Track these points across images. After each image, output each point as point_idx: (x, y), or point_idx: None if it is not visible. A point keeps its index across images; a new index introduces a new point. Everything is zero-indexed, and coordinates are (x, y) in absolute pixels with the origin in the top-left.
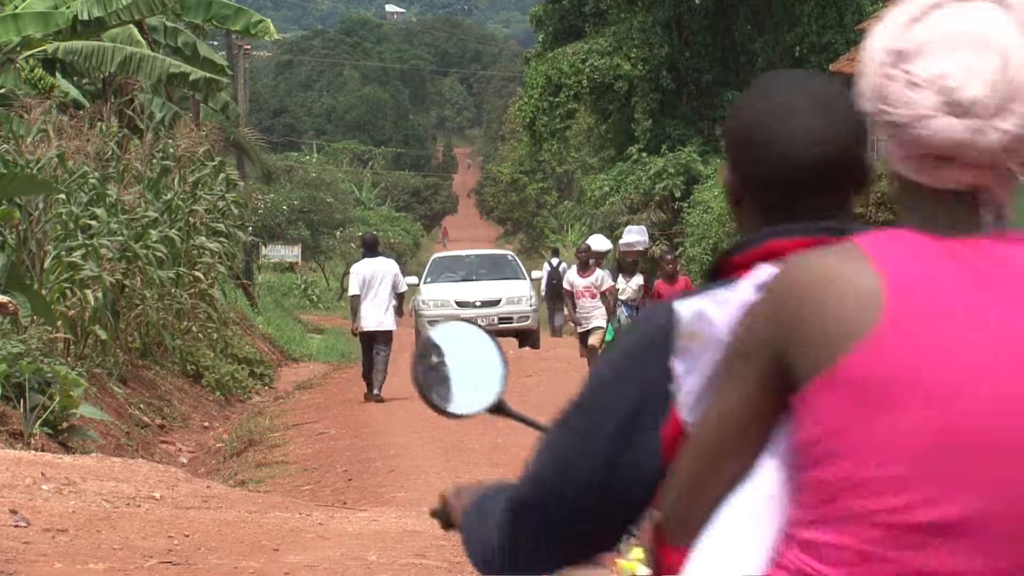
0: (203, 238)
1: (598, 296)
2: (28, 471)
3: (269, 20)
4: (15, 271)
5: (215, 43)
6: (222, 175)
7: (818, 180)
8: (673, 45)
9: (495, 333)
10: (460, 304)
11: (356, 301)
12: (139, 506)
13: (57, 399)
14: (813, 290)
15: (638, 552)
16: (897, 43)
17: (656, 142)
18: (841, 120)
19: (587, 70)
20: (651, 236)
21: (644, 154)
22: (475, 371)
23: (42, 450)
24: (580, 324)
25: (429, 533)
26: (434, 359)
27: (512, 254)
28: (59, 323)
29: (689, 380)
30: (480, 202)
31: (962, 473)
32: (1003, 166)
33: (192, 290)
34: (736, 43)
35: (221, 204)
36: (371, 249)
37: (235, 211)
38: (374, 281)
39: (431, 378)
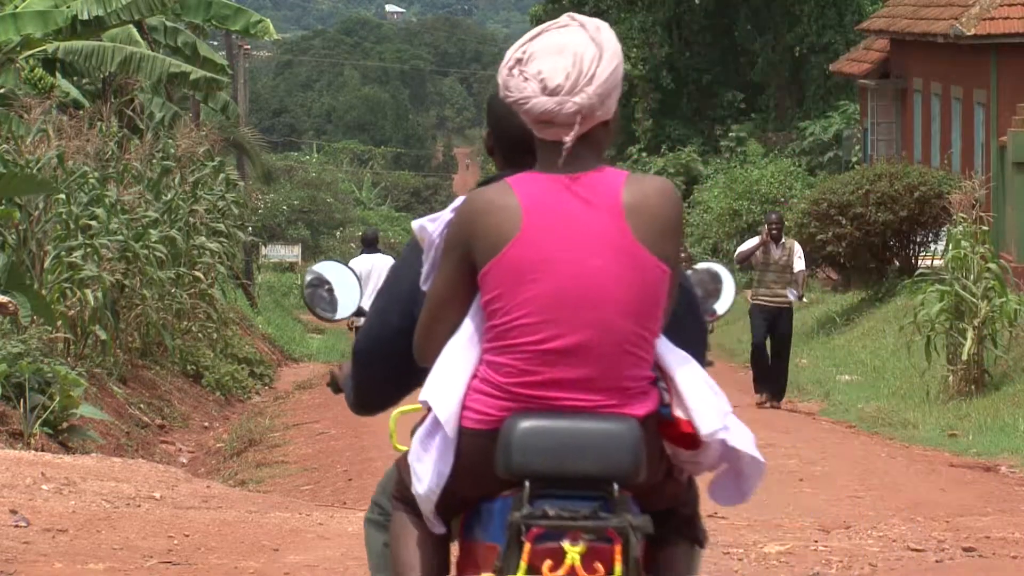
0: (203, 238)
1: None
2: (28, 471)
3: (269, 20)
4: (15, 271)
5: (215, 43)
6: (222, 175)
7: (526, 147)
8: (673, 45)
9: None
10: None
11: None
12: (139, 506)
13: (57, 399)
14: (481, 211)
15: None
16: (517, 54)
17: (656, 142)
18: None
19: None
20: None
21: (644, 154)
22: (344, 291)
23: (42, 450)
24: None
25: None
26: (316, 286)
27: None
28: (59, 323)
29: (424, 266)
30: None
31: (572, 318)
32: (579, 126)
33: (192, 290)
34: (736, 43)
35: (221, 204)
36: (370, 245)
37: (235, 211)
38: (371, 277)
39: (316, 299)
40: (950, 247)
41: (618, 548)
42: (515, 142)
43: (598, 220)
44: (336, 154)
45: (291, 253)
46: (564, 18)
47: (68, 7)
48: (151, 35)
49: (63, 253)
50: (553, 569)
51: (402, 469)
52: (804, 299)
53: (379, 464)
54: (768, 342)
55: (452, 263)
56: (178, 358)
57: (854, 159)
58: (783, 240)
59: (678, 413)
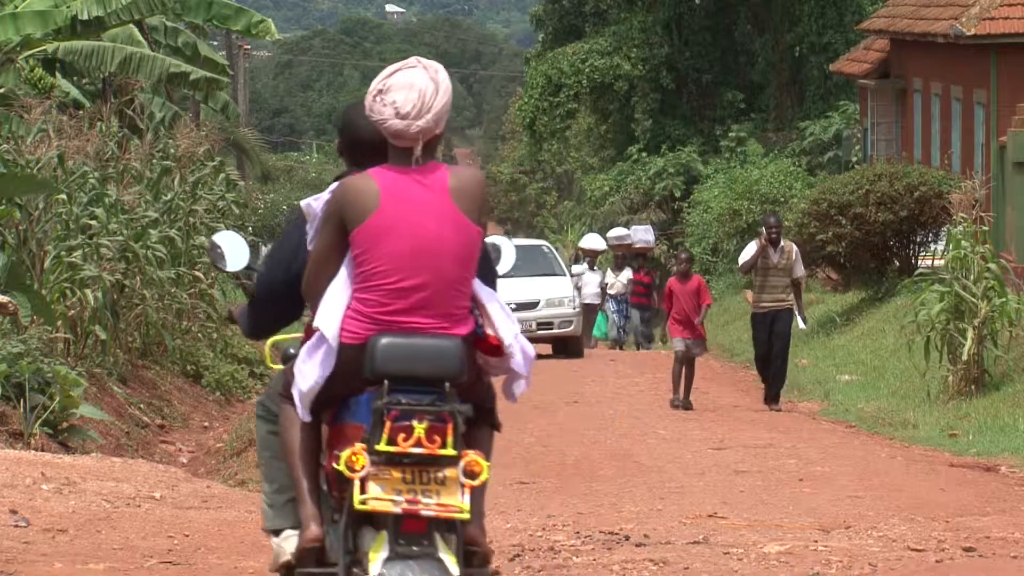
0: (203, 238)
1: None
2: (28, 471)
3: (270, 20)
4: (15, 271)
5: (215, 43)
6: (222, 175)
7: (372, 151)
8: (673, 45)
9: (533, 340)
10: None
11: None
12: (139, 506)
13: (57, 399)
14: (351, 192)
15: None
16: (379, 86)
17: (656, 142)
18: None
19: (587, 70)
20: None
21: (644, 154)
22: (233, 252)
23: (42, 450)
24: None
25: None
26: (218, 249)
27: (548, 245)
28: (59, 323)
29: (310, 232)
30: None
31: (415, 266)
32: (422, 140)
33: (192, 290)
34: (736, 43)
35: (221, 204)
36: None
37: (235, 211)
38: None
39: (216, 257)
40: (950, 247)
41: (450, 426)
42: (364, 147)
43: (433, 199)
44: (336, 154)
45: None
46: (412, 60)
47: (68, 7)
48: (151, 35)
49: (63, 253)
50: (405, 440)
51: (288, 376)
52: (805, 326)
53: None
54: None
55: (331, 229)
56: (178, 358)
57: (854, 159)
58: (782, 244)
59: (488, 331)
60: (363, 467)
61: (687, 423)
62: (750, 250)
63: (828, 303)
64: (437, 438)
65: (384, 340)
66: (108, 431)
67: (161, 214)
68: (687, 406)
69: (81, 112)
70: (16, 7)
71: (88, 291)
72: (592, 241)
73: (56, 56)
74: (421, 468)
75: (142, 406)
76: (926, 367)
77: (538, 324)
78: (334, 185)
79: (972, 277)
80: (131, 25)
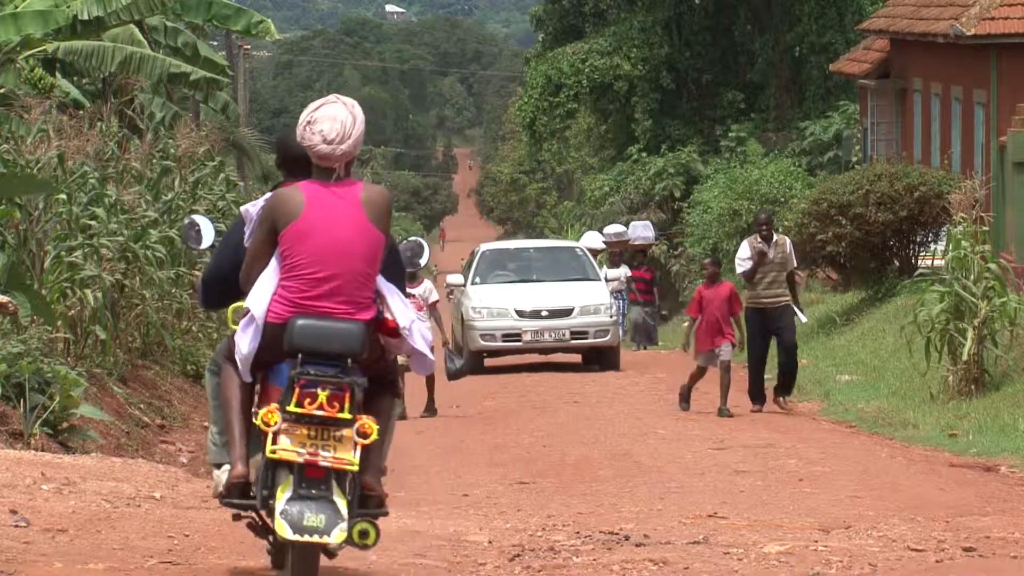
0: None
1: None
2: (28, 471)
3: (270, 20)
4: (15, 271)
5: (215, 43)
6: (222, 175)
7: (303, 166)
8: (673, 45)
9: (565, 350)
10: (521, 314)
11: None
12: (139, 506)
13: (57, 399)
14: (282, 200)
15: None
16: (308, 118)
17: (656, 142)
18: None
19: (587, 70)
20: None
21: (644, 154)
22: (207, 233)
23: (42, 450)
24: None
25: (429, 533)
26: (196, 227)
27: (582, 247)
28: (59, 323)
29: (247, 231)
30: (480, 202)
31: (329, 261)
32: (342, 161)
33: (192, 290)
34: (736, 43)
35: (221, 204)
36: None
37: (235, 211)
38: None
39: (189, 236)
40: (950, 247)
41: (347, 395)
42: (298, 163)
43: (347, 209)
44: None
45: None
46: (332, 97)
47: (68, 7)
48: (151, 35)
49: (63, 253)
50: (311, 404)
51: (231, 343)
52: (805, 318)
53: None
54: (774, 344)
55: (264, 229)
56: (178, 358)
57: (854, 159)
58: (775, 239)
59: (387, 316)
60: (275, 423)
61: (687, 423)
62: (744, 252)
63: (828, 303)
64: (336, 404)
65: (300, 321)
66: (108, 431)
67: (161, 214)
68: (727, 414)
69: (81, 112)
70: (16, 7)
71: (88, 291)
72: (592, 240)
73: (56, 56)
74: (323, 427)
75: (142, 406)
76: (926, 367)
77: (572, 333)
78: (269, 194)
79: (972, 277)
80: (131, 25)
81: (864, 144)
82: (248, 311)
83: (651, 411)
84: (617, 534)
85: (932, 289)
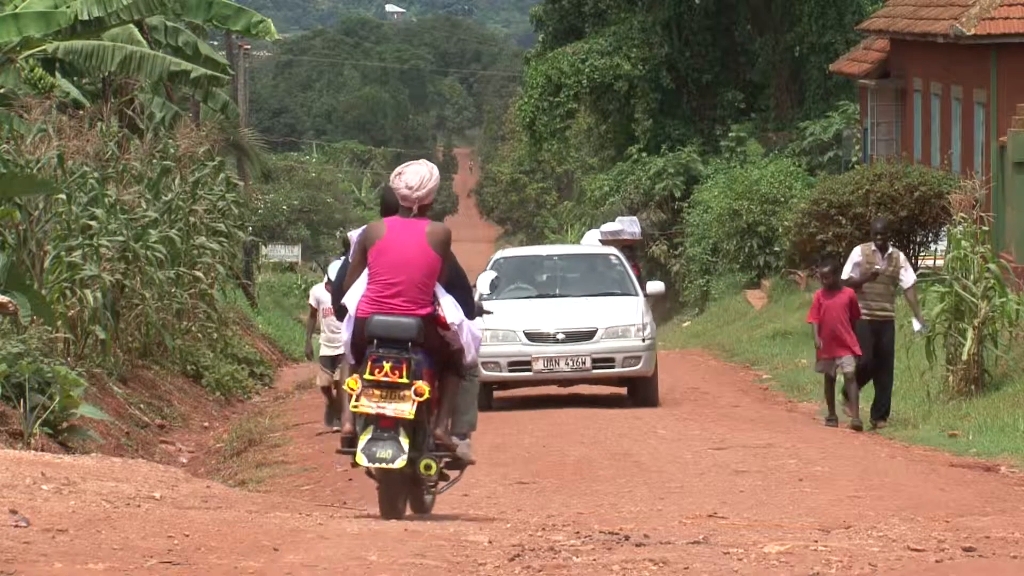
0: (203, 238)
1: None
2: (28, 471)
3: (270, 20)
4: (15, 271)
5: (215, 43)
6: (222, 175)
7: (393, 209)
8: (673, 45)
9: (585, 381)
10: (532, 337)
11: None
12: (139, 506)
13: (57, 399)
14: (372, 228)
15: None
16: (399, 170)
17: (656, 142)
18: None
19: (587, 70)
20: (651, 235)
21: (644, 154)
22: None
23: (42, 450)
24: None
25: (429, 533)
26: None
27: (617, 254)
28: (59, 323)
29: (351, 252)
30: (480, 202)
31: (398, 272)
32: (417, 203)
33: (192, 290)
34: (736, 43)
35: (221, 204)
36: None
37: (235, 211)
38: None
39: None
40: (950, 247)
41: (405, 366)
42: (392, 210)
43: (414, 236)
44: (336, 154)
45: (291, 253)
46: (420, 160)
47: (68, 7)
48: (151, 35)
49: (63, 253)
50: (379, 373)
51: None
52: (925, 329)
53: None
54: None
55: (359, 249)
56: (178, 358)
57: (854, 159)
58: (889, 250)
59: (441, 313)
60: (356, 388)
61: (687, 423)
62: (855, 257)
63: None
64: (397, 372)
65: (376, 317)
66: (108, 431)
67: (161, 214)
68: (858, 425)
69: (81, 112)
70: (16, 7)
71: (88, 291)
72: (591, 239)
73: (56, 56)
74: (389, 389)
75: (142, 406)
76: (926, 367)
77: (594, 361)
78: (365, 226)
79: (972, 277)
80: (131, 25)
81: (864, 144)
82: (347, 310)
83: (651, 411)
84: (617, 534)
85: (932, 289)
